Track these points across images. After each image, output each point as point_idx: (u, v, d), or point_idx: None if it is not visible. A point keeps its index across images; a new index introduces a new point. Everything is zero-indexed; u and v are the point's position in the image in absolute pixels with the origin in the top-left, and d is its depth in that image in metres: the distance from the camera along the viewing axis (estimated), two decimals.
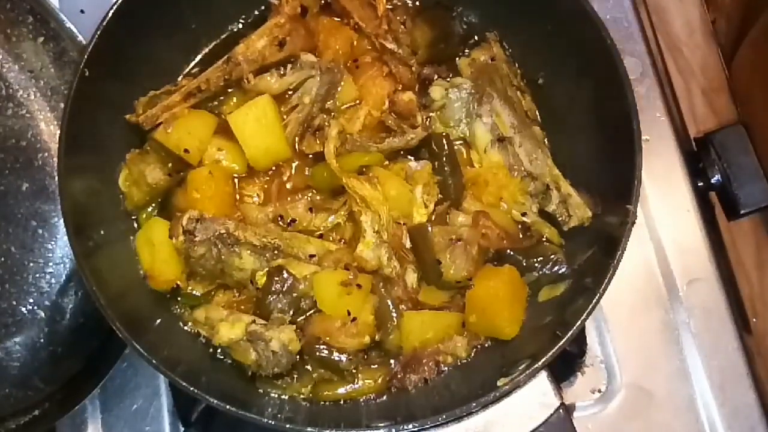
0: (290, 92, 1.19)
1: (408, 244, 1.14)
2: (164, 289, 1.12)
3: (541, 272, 1.12)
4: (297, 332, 1.09)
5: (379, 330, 1.11)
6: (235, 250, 1.09)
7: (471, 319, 1.10)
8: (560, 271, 1.11)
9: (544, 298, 1.12)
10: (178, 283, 1.12)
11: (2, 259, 1.20)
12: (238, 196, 1.18)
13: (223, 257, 1.09)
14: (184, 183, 1.14)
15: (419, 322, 1.11)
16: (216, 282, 1.14)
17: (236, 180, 1.18)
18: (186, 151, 1.14)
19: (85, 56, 1.06)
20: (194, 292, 1.14)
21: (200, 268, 1.11)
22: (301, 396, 1.10)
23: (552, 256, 1.12)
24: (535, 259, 1.12)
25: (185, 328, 1.14)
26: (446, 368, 1.12)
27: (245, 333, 1.08)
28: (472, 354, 1.13)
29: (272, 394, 1.10)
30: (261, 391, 1.10)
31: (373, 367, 1.13)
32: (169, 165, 1.15)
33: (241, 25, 1.24)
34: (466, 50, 1.22)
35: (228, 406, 0.98)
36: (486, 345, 1.13)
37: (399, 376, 1.11)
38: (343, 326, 1.09)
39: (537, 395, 0.99)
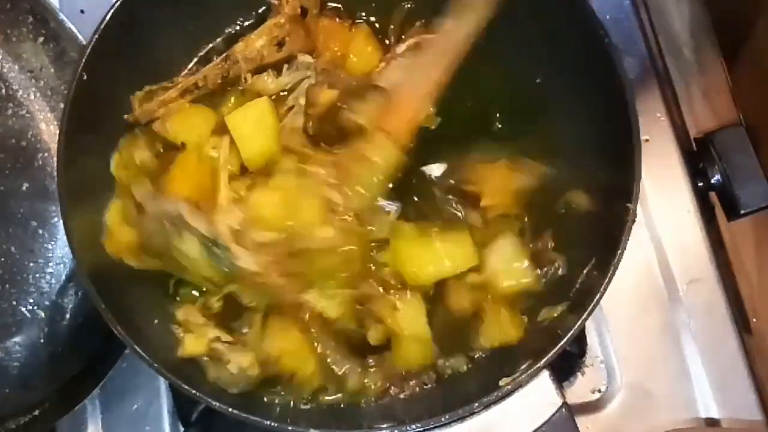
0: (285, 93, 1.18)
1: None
2: (117, 254, 1.10)
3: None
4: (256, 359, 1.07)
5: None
6: (182, 235, 1.07)
7: None
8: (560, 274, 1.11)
9: (543, 318, 1.11)
10: (125, 256, 1.10)
11: (2, 259, 1.21)
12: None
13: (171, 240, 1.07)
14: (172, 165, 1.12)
15: None
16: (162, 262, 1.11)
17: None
18: (183, 145, 1.13)
19: (84, 58, 1.06)
20: (193, 291, 1.13)
21: (150, 246, 1.09)
22: (302, 400, 1.10)
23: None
24: None
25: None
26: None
27: (207, 350, 1.07)
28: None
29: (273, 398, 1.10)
30: (264, 398, 1.09)
31: (371, 370, 1.11)
32: (159, 148, 1.14)
33: (239, 27, 1.23)
34: None
35: (230, 409, 0.98)
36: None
37: (397, 380, 1.11)
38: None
39: (539, 395, 0.99)
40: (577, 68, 1.12)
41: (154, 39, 1.15)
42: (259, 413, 1.01)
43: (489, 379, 1.01)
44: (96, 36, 1.07)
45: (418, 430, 0.97)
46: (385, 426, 0.99)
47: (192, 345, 1.07)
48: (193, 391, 0.99)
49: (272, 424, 0.98)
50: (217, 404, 0.98)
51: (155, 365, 1.00)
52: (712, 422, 1.23)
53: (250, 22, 1.23)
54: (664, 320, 1.27)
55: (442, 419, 0.97)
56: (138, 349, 1.00)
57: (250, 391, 1.09)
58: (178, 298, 1.14)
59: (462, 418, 0.98)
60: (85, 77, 1.06)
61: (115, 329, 1.00)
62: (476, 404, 0.97)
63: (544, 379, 0.99)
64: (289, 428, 0.98)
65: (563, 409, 0.98)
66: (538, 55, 1.18)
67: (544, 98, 1.19)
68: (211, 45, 1.22)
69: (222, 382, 1.06)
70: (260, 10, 1.22)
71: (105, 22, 1.07)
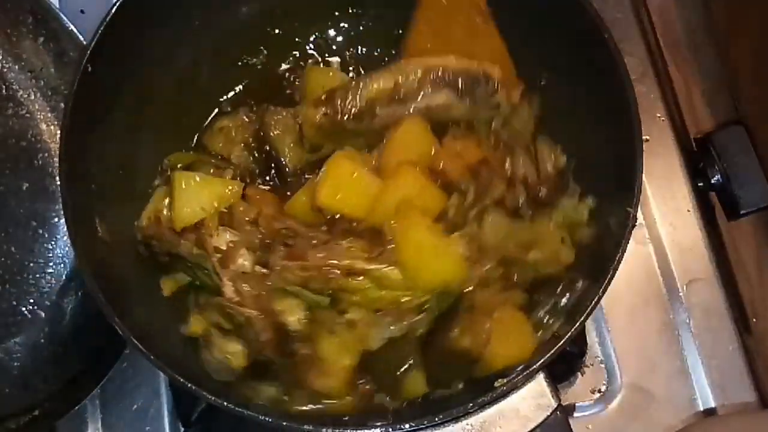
0: None
1: None
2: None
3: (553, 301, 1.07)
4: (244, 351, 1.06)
5: None
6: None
7: None
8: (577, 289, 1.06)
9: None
10: None
11: (2, 259, 1.20)
12: None
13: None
14: None
15: None
16: None
17: None
18: None
19: (85, 58, 1.06)
20: None
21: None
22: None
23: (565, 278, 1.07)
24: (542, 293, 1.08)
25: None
26: None
27: (203, 332, 1.07)
28: None
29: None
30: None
31: None
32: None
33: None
34: None
35: (225, 403, 0.98)
36: None
37: None
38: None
39: (534, 396, 0.98)
40: (579, 70, 1.12)
41: (156, 35, 1.15)
42: (257, 409, 1.00)
43: (484, 380, 1.01)
44: (96, 35, 1.06)
45: (411, 429, 0.97)
46: (378, 424, 0.98)
47: (195, 324, 1.07)
48: (193, 387, 0.98)
49: (268, 419, 0.97)
50: (213, 398, 0.97)
51: (153, 359, 0.99)
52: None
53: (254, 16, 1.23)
54: (664, 320, 1.27)
55: (436, 419, 0.96)
56: (137, 342, 0.99)
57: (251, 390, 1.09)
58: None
59: (456, 419, 0.97)
60: (89, 69, 1.05)
61: (114, 322, 0.99)
62: (470, 404, 0.96)
63: (540, 381, 0.99)
64: (284, 424, 0.98)
65: (558, 412, 0.97)
66: (540, 56, 1.17)
67: (546, 99, 1.19)
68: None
69: (207, 365, 1.06)
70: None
71: (106, 21, 1.07)
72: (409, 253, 1.03)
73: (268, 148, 1.19)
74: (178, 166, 1.14)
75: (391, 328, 1.05)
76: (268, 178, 1.19)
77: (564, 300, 1.05)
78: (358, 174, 1.08)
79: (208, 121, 1.21)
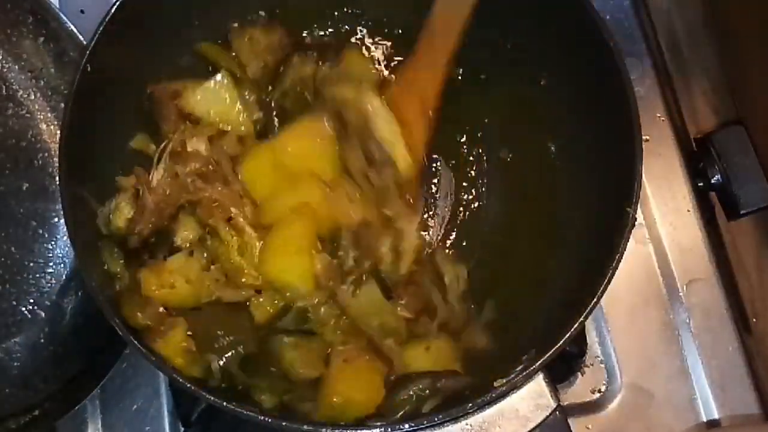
0: None
1: None
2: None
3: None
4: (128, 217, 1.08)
5: None
6: None
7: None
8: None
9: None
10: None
11: (2, 259, 1.21)
12: None
13: None
14: None
15: None
16: None
17: None
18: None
19: (85, 57, 1.06)
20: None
21: None
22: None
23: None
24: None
25: None
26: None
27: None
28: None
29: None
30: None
31: None
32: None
33: (245, 22, 1.22)
34: None
35: (226, 404, 0.98)
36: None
37: None
38: None
39: (534, 397, 0.98)
40: (579, 69, 1.12)
41: (156, 35, 1.15)
42: (258, 409, 1.00)
43: (483, 380, 1.01)
44: (96, 35, 1.07)
45: (410, 429, 0.96)
46: (378, 424, 0.98)
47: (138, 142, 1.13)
48: (193, 387, 0.98)
49: (268, 420, 0.97)
50: (213, 398, 0.97)
51: (153, 359, 0.99)
52: (712, 423, 1.23)
53: (257, 18, 1.23)
54: (663, 320, 1.27)
55: (435, 419, 0.96)
56: (137, 342, 0.99)
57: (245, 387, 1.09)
58: None
59: (455, 419, 0.97)
60: (89, 69, 1.06)
61: (113, 322, 0.99)
62: (470, 404, 0.96)
63: (539, 381, 0.99)
64: (284, 424, 0.98)
65: (557, 412, 0.97)
66: (541, 56, 1.17)
67: (546, 100, 1.19)
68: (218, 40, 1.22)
69: (99, 212, 1.07)
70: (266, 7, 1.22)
71: (105, 21, 1.07)
72: (275, 238, 1.06)
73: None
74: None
75: (216, 292, 1.07)
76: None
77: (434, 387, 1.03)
78: (271, 170, 1.11)
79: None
